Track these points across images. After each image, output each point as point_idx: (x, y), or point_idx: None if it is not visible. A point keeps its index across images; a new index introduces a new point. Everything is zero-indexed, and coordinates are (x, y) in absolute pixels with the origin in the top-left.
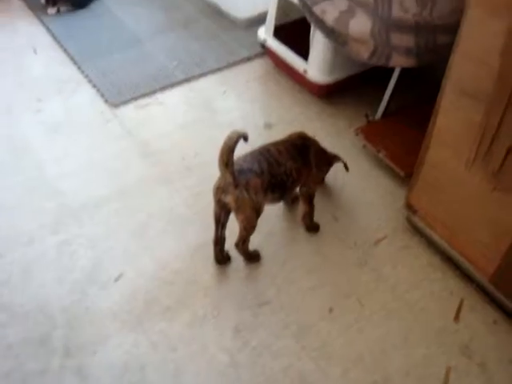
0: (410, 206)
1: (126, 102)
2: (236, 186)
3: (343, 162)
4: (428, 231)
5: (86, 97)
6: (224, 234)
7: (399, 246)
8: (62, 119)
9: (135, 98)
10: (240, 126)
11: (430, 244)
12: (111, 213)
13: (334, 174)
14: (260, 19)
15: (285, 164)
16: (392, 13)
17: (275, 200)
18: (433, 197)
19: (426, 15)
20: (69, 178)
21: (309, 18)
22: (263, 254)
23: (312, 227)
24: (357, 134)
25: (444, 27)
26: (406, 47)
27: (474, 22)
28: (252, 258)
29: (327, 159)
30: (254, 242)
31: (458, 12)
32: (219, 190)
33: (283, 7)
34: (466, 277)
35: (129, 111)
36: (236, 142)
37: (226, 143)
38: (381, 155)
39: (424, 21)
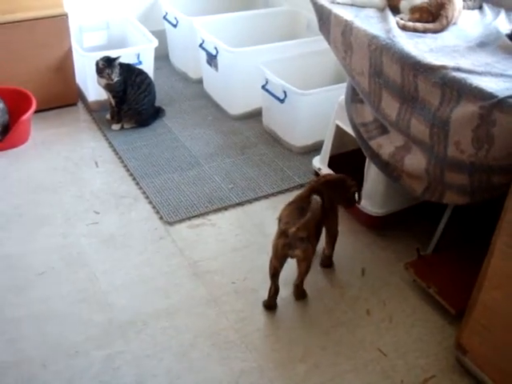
0: (460, 346)
1: (180, 221)
2: (302, 240)
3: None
4: (479, 373)
5: (141, 213)
6: (278, 285)
7: None
8: (116, 233)
9: (189, 218)
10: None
11: None
12: (158, 331)
13: (381, 305)
14: (315, 148)
15: (318, 212)
16: (447, 153)
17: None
18: (485, 339)
19: (482, 156)
20: (119, 292)
21: (365, 152)
22: None
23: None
24: (406, 269)
25: (500, 168)
26: (460, 185)
27: None
28: (303, 293)
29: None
30: None
31: None
32: (286, 247)
33: (339, 138)
34: None
35: (182, 230)
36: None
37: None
38: (431, 291)
39: (479, 161)
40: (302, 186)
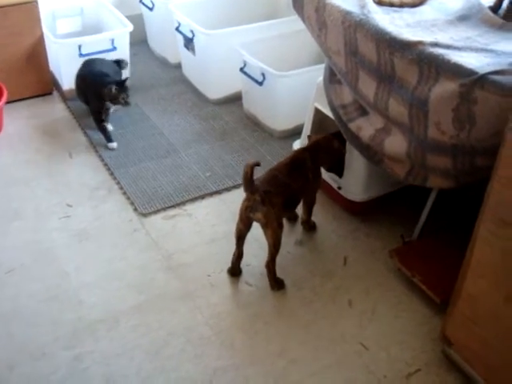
0: (445, 338)
1: (155, 212)
2: (263, 203)
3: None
4: (465, 367)
5: (115, 204)
6: (242, 250)
7: (434, 381)
8: (89, 226)
9: (164, 208)
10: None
11: (468, 381)
12: (129, 329)
13: (364, 296)
14: (297, 131)
15: (290, 183)
16: (428, 134)
17: (286, 215)
18: (470, 330)
19: (464, 137)
20: (90, 288)
21: (344, 135)
22: None
23: (311, 226)
24: (391, 257)
25: (483, 149)
26: (443, 169)
27: None
28: (277, 282)
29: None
30: None
31: (499, 135)
32: (248, 209)
33: (319, 121)
34: None
35: (157, 221)
36: (252, 169)
37: (245, 172)
38: (415, 280)
39: (461, 143)
40: None
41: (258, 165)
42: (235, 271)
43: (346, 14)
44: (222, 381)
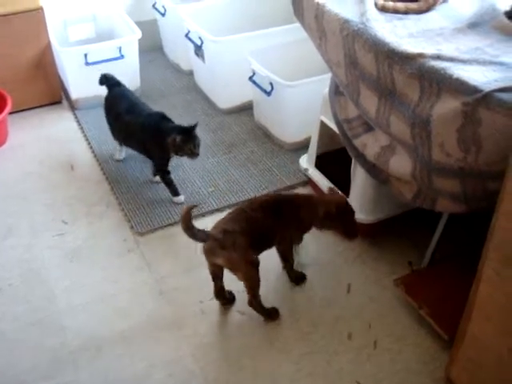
0: (449, 381)
1: (151, 231)
2: (222, 247)
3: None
4: None
5: (112, 222)
6: (222, 285)
7: None
8: (82, 245)
9: (162, 227)
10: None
11: None
12: (111, 359)
13: (366, 328)
14: (308, 144)
15: (262, 221)
16: (432, 156)
17: (264, 249)
18: (474, 375)
19: (471, 161)
20: (76, 312)
21: (349, 151)
22: None
23: (296, 277)
24: (397, 286)
25: (495, 174)
26: (452, 192)
27: None
28: (269, 313)
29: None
30: None
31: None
32: (209, 253)
33: (328, 134)
34: None
35: (153, 241)
36: (189, 213)
37: (182, 217)
38: (422, 312)
39: (469, 166)
40: (290, 187)
41: (193, 207)
42: (222, 301)
43: (345, 23)
44: None
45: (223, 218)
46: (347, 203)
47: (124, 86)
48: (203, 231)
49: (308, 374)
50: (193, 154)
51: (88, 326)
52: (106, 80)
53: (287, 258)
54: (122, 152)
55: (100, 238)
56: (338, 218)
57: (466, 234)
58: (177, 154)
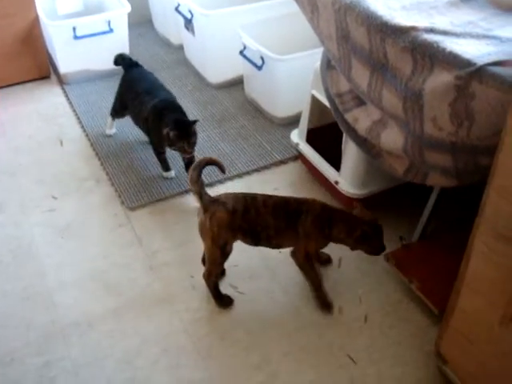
0: (440, 355)
1: (142, 206)
2: (205, 210)
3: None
4: None
5: (102, 197)
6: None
7: None
8: (73, 221)
9: (152, 202)
10: None
11: None
12: (103, 335)
13: (357, 302)
14: (299, 118)
15: (263, 216)
16: (424, 130)
17: (248, 243)
18: (465, 349)
19: (463, 135)
20: (67, 289)
21: (341, 126)
22: None
23: (322, 303)
24: (387, 260)
25: (486, 148)
26: (444, 166)
27: None
28: (219, 299)
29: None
30: None
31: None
32: (198, 210)
33: (319, 109)
34: None
35: (143, 216)
36: (204, 164)
37: (193, 168)
38: (413, 287)
39: (461, 141)
40: (281, 162)
41: (221, 168)
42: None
43: None
44: None
45: (232, 192)
46: (378, 222)
47: (142, 67)
48: (205, 191)
49: (300, 347)
50: (185, 151)
51: (79, 302)
52: (122, 60)
53: (305, 269)
54: (113, 127)
55: (90, 214)
56: (371, 239)
57: (457, 209)
58: (170, 147)
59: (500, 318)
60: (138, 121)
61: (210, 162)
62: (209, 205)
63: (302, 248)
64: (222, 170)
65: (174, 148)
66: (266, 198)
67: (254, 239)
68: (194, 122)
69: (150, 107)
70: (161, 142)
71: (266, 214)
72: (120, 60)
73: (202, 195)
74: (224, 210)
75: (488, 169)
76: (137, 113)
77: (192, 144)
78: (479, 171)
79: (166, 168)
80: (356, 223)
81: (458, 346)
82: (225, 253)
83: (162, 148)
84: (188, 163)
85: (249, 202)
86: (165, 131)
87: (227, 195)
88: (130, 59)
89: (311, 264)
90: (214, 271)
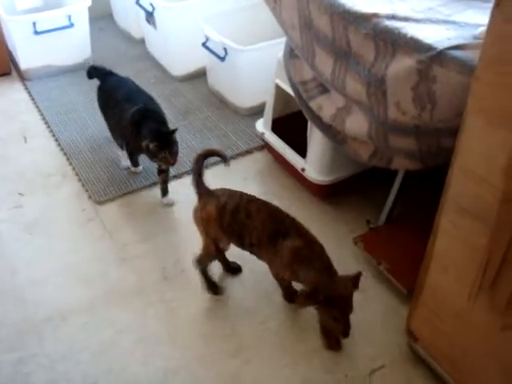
0: (410, 333)
1: (110, 200)
2: (198, 200)
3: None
4: (432, 363)
5: (69, 192)
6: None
7: (398, 378)
8: (41, 216)
9: (121, 196)
10: None
11: (435, 378)
12: (77, 328)
13: None
14: (263, 109)
15: (252, 220)
16: (388, 114)
17: (236, 245)
18: (435, 326)
19: (426, 118)
20: (39, 285)
21: (305, 114)
22: None
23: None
24: (355, 244)
25: (449, 131)
26: (408, 150)
27: (474, 131)
28: (210, 285)
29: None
30: None
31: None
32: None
33: (283, 98)
34: None
35: (112, 209)
36: (207, 154)
37: (197, 157)
38: (381, 268)
39: (424, 124)
40: (247, 152)
41: (223, 158)
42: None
43: None
44: (173, 383)
45: (228, 189)
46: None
47: (117, 75)
48: (202, 181)
49: (274, 333)
50: (167, 162)
51: (51, 297)
52: (95, 71)
53: (281, 283)
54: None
55: (58, 209)
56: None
57: (421, 192)
58: (152, 159)
59: (468, 294)
60: (116, 129)
61: (212, 154)
62: (203, 195)
63: (281, 269)
64: (225, 159)
65: (156, 160)
66: (261, 206)
67: (239, 242)
68: (174, 130)
69: (129, 116)
70: (138, 150)
71: (255, 220)
72: (93, 71)
73: (198, 184)
74: (214, 204)
75: (451, 151)
76: (117, 120)
77: (174, 154)
78: (442, 153)
79: (135, 163)
80: (323, 278)
81: (427, 324)
82: (219, 248)
83: (138, 153)
84: (161, 170)
85: (243, 202)
86: (144, 144)
87: (224, 190)
88: (104, 68)
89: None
90: (205, 261)
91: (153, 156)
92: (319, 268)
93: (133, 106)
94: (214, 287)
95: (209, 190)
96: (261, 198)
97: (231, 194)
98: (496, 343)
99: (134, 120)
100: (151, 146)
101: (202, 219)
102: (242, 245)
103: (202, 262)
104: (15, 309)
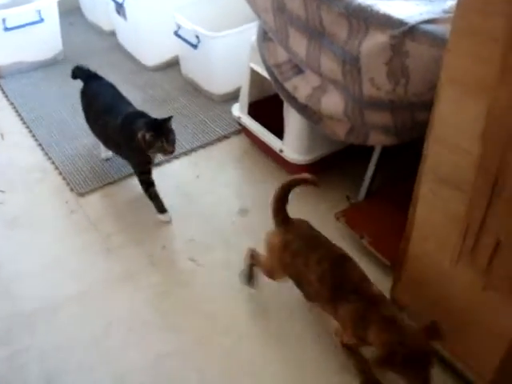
0: (395, 301)
1: (92, 191)
2: (276, 225)
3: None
4: None
5: (51, 186)
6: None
7: None
8: (24, 212)
9: (102, 187)
10: (211, 214)
11: None
12: (68, 319)
13: None
14: (238, 94)
15: (309, 270)
16: (363, 91)
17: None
18: (418, 293)
19: (401, 92)
20: (25, 278)
21: (281, 95)
22: None
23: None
24: (337, 219)
25: (422, 104)
26: (383, 125)
27: (448, 102)
28: (248, 277)
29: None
30: None
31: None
32: None
33: (259, 82)
34: (464, 381)
35: (95, 200)
36: (289, 188)
37: (279, 187)
38: (364, 241)
39: (399, 98)
40: (225, 137)
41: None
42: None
43: None
44: (168, 366)
45: (307, 223)
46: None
47: (102, 79)
48: (284, 209)
49: (264, 309)
50: (165, 150)
51: (39, 290)
52: (79, 71)
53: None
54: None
55: (41, 204)
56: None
57: (398, 165)
58: (149, 151)
59: (449, 258)
60: (109, 145)
61: (297, 183)
62: (278, 223)
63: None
64: (315, 184)
65: (154, 151)
66: (325, 253)
67: (297, 281)
68: (169, 118)
69: (116, 128)
70: (142, 160)
71: (311, 272)
72: (77, 72)
73: (277, 212)
74: (279, 238)
75: (425, 124)
76: (106, 136)
77: (171, 142)
78: (417, 127)
79: (160, 209)
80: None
81: (411, 291)
82: (276, 274)
83: (145, 168)
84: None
85: (304, 248)
86: (140, 135)
87: (299, 224)
88: (89, 70)
89: (351, 349)
90: (266, 275)
91: (150, 146)
92: (381, 322)
93: (116, 118)
94: (251, 280)
95: (286, 218)
96: (239, 181)
97: (303, 232)
98: (477, 304)
99: (125, 125)
100: (147, 135)
101: (267, 246)
102: (299, 284)
103: (257, 264)
104: (5, 302)
